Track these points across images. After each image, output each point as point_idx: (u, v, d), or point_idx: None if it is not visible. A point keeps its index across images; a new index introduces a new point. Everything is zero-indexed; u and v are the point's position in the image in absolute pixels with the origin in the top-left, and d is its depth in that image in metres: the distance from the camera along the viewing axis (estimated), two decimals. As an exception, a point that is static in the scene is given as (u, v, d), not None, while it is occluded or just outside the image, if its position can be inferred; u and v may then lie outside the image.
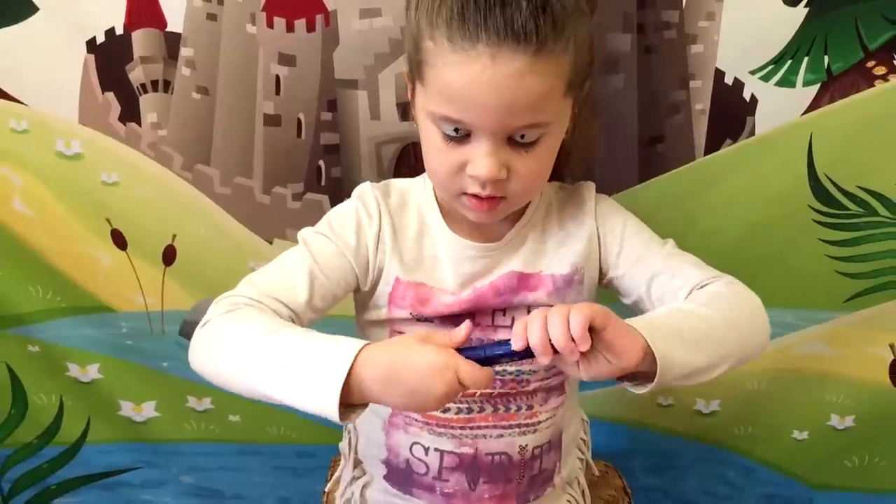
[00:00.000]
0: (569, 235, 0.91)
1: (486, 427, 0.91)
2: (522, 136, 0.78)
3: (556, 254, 0.90)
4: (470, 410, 0.90)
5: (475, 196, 0.80)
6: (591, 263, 0.91)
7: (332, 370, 0.69)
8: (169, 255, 1.20)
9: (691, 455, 1.31)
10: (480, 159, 0.77)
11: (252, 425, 1.32)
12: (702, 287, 0.86)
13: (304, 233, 0.88)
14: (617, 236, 0.91)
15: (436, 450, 0.92)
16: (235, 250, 1.19)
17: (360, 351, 0.70)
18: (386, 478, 0.96)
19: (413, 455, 0.92)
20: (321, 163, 1.15)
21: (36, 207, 1.18)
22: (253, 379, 0.73)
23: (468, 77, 0.74)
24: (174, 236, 1.19)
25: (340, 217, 0.89)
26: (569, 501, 1.00)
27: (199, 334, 0.79)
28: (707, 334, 0.79)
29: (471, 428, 0.91)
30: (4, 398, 1.31)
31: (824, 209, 1.14)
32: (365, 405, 0.72)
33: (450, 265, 0.89)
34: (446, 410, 0.90)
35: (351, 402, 0.70)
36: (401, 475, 0.94)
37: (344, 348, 0.71)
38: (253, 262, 1.19)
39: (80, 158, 1.15)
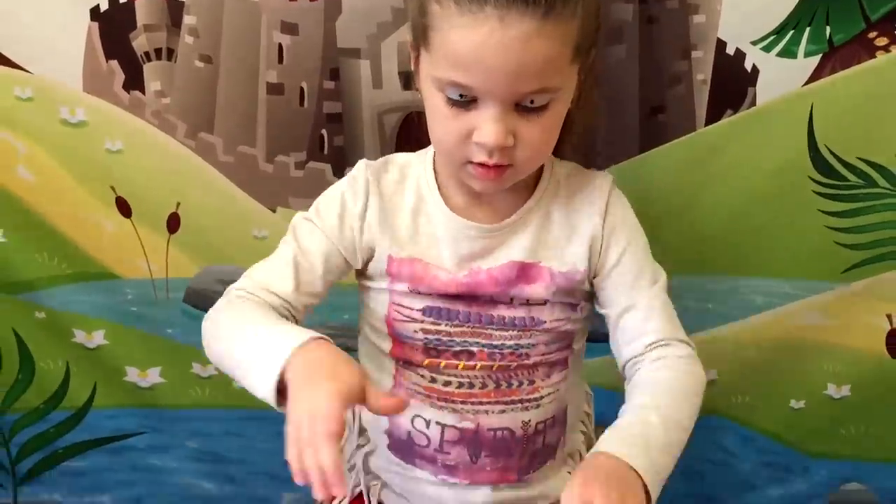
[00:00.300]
0: (573, 231, 0.90)
1: (488, 402, 0.91)
2: (532, 102, 0.77)
3: (558, 248, 0.90)
4: (471, 385, 0.91)
5: (481, 165, 0.80)
6: (592, 262, 0.90)
7: (272, 362, 0.73)
8: (173, 223, 1.21)
9: (689, 423, 1.32)
10: (487, 126, 0.77)
11: (256, 391, 1.33)
12: (659, 346, 0.88)
13: (295, 219, 0.91)
14: (620, 249, 0.90)
15: (437, 423, 0.92)
16: (239, 218, 1.20)
17: (302, 345, 0.74)
18: (389, 447, 0.97)
19: (414, 427, 0.93)
20: (324, 132, 1.16)
21: (40, 175, 1.19)
22: (227, 366, 0.82)
23: (476, 40, 0.74)
24: (178, 204, 1.20)
25: (326, 200, 0.91)
26: (569, 473, 1.00)
27: (203, 323, 0.87)
28: (678, 447, 0.82)
29: (472, 403, 0.91)
30: (12, 363, 1.32)
31: (824, 180, 1.15)
32: None
33: (447, 243, 0.89)
34: (448, 384, 0.91)
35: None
36: (403, 446, 0.95)
37: (286, 342, 0.74)
38: (256, 230, 1.20)
39: (84, 126, 1.16)
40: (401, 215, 0.89)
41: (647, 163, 1.15)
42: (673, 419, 0.82)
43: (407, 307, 0.90)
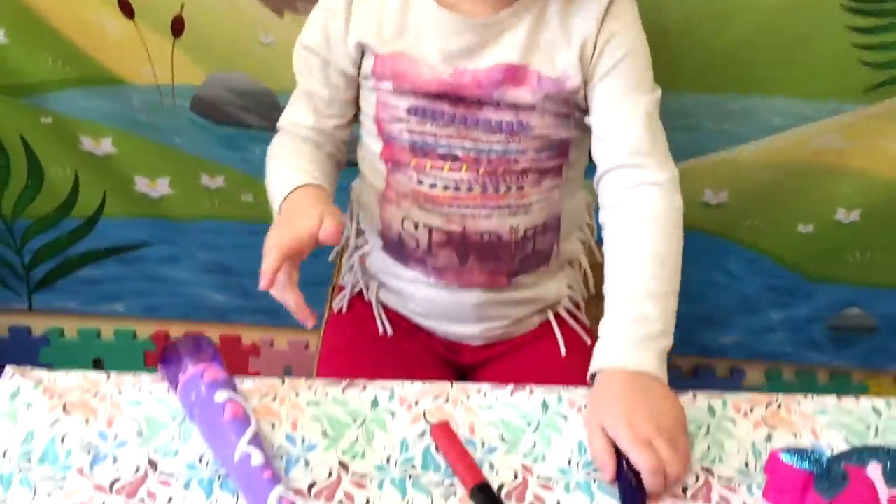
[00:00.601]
0: (568, 36, 0.86)
1: (474, 206, 0.91)
2: None
3: (549, 52, 0.86)
4: (457, 188, 0.91)
5: None
6: (583, 69, 0.86)
7: (275, 202, 0.86)
8: (177, 26, 1.17)
9: (694, 245, 1.30)
10: None
11: (264, 205, 1.30)
12: (634, 166, 0.85)
13: (296, 47, 0.94)
14: (614, 58, 0.86)
15: (425, 225, 0.93)
16: (245, 22, 1.16)
17: (291, 191, 0.84)
18: (383, 248, 0.99)
19: (404, 229, 0.94)
20: (333, -70, 1.10)
21: (39, -31, 1.15)
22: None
23: None
24: (182, 6, 1.16)
25: (311, 19, 0.92)
26: (566, 278, 1.02)
27: None
28: (675, 309, 0.80)
29: (458, 206, 0.91)
30: (20, 169, 1.32)
31: (854, -7, 1.10)
32: None
33: (433, 38, 0.86)
34: (433, 186, 0.91)
35: None
36: (395, 248, 0.97)
37: (284, 188, 0.85)
38: (263, 35, 1.17)
39: (82, -84, 1.11)
40: (388, 10, 0.87)
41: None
42: (667, 291, 0.80)
43: (392, 106, 0.89)
